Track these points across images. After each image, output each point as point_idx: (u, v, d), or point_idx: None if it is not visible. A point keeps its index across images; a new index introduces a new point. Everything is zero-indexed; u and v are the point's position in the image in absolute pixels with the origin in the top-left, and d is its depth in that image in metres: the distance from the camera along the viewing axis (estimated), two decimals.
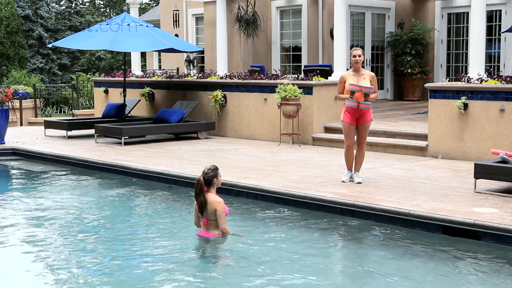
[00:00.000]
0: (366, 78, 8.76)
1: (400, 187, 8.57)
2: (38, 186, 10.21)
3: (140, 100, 16.08)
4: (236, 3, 18.25)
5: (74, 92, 21.88)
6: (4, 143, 13.48)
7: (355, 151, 9.02)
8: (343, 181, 8.91)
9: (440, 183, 8.83)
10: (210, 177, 6.74)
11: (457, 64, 18.33)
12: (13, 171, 11.86)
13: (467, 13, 16.93)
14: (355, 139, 8.99)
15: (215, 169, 6.81)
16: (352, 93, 8.70)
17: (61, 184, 10.32)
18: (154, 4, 43.60)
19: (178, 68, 23.12)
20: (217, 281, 5.86)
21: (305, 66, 16.28)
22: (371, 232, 7.24)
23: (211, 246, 6.66)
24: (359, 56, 8.73)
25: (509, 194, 8.00)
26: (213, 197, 6.71)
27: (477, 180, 8.24)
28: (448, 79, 15.40)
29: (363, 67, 17.76)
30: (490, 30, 16.84)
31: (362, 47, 18.20)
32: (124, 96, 14.98)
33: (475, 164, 8.27)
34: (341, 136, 9.20)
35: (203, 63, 21.03)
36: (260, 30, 18.13)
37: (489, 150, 9.97)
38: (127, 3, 19.77)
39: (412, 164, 10.48)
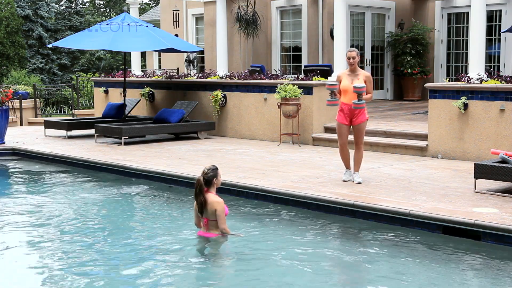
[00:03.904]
0: (361, 78, 8.79)
1: (400, 187, 8.57)
2: (38, 186, 10.21)
3: (140, 100, 16.08)
4: (236, 3, 18.25)
5: (74, 92, 21.88)
6: (4, 143, 13.48)
7: (353, 151, 9.04)
8: (344, 180, 8.92)
9: (440, 183, 8.83)
10: (210, 177, 6.73)
11: (457, 64, 18.34)
12: (13, 171, 11.86)
13: (467, 13, 16.93)
14: (351, 139, 9.02)
15: (215, 169, 6.81)
16: (332, 92, 8.78)
17: (61, 184, 10.31)
18: (154, 4, 43.61)
19: (178, 68, 23.13)
20: (216, 281, 5.86)
21: (305, 66, 16.28)
22: (371, 232, 7.24)
23: (211, 246, 6.66)
24: (353, 58, 8.76)
25: (509, 194, 8.00)
26: (213, 197, 6.71)
27: (477, 180, 8.24)
28: (448, 79, 15.41)
29: (362, 67, 17.81)
30: (490, 30, 16.84)
31: (362, 47, 18.21)
32: (124, 96, 14.98)
33: (475, 164, 8.27)
34: None
35: (203, 63, 21.03)
36: (260, 30, 18.13)
37: (489, 150, 9.97)
38: (127, 3, 19.78)
39: (412, 164, 10.48)
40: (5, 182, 10.93)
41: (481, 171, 8.14)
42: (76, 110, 20.58)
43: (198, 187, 6.68)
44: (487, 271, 6.01)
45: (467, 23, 17.09)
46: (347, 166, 9.07)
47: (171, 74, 17.31)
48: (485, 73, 11.07)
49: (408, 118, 14.07)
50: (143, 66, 28.22)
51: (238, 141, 13.81)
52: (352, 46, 17.80)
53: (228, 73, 15.19)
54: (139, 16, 28.21)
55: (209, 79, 15.23)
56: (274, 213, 8.11)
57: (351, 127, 8.93)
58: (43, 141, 13.99)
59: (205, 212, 6.70)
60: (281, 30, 18.60)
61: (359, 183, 8.78)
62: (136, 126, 13.92)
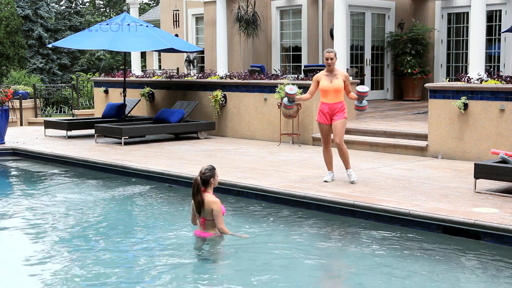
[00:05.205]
0: (339, 78, 8.83)
1: (400, 187, 8.56)
2: (38, 186, 10.21)
3: (140, 100, 16.08)
4: (236, 3, 18.25)
5: (74, 92, 21.88)
6: (4, 143, 13.48)
7: (346, 150, 9.05)
8: (325, 181, 8.92)
9: (440, 183, 8.83)
10: (207, 177, 6.75)
11: (457, 64, 18.33)
12: (13, 171, 11.86)
13: (467, 13, 16.93)
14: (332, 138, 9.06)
15: (212, 169, 6.82)
16: (292, 99, 8.95)
17: (61, 184, 10.31)
18: (154, 4, 43.61)
19: (178, 68, 23.12)
20: (213, 281, 5.86)
21: (305, 66, 16.28)
22: (371, 232, 7.23)
23: (208, 246, 6.66)
24: (331, 59, 8.78)
25: (509, 194, 8.00)
26: (209, 197, 6.72)
27: (477, 180, 8.24)
28: (448, 79, 15.41)
29: (362, 67, 17.76)
30: (490, 30, 16.83)
31: (362, 47, 18.22)
32: (124, 96, 14.98)
33: (475, 164, 8.27)
34: None
35: (203, 63, 21.03)
36: (260, 30, 18.13)
37: (489, 150, 9.96)
38: (127, 3, 19.78)
39: (412, 164, 10.47)
40: (5, 182, 10.93)
41: (481, 171, 8.14)
42: (76, 110, 20.58)
43: (196, 187, 6.69)
44: (487, 271, 6.01)
45: (467, 23, 17.09)
46: (330, 168, 9.10)
47: (171, 74, 17.31)
48: (485, 73, 11.07)
49: (408, 118, 14.07)
50: (143, 66, 28.22)
51: (238, 141, 13.81)
52: (352, 46, 17.82)
53: (228, 73, 15.19)
54: (139, 16, 28.21)
55: (209, 79, 15.23)
56: (273, 213, 8.11)
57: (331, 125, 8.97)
58: (43, 141, 13.99)
59: (202, 212, 6.70)
60: (281, 30, 18.59)
61: (353, 181, 8.76)
62: (136, 126, 13.92)
